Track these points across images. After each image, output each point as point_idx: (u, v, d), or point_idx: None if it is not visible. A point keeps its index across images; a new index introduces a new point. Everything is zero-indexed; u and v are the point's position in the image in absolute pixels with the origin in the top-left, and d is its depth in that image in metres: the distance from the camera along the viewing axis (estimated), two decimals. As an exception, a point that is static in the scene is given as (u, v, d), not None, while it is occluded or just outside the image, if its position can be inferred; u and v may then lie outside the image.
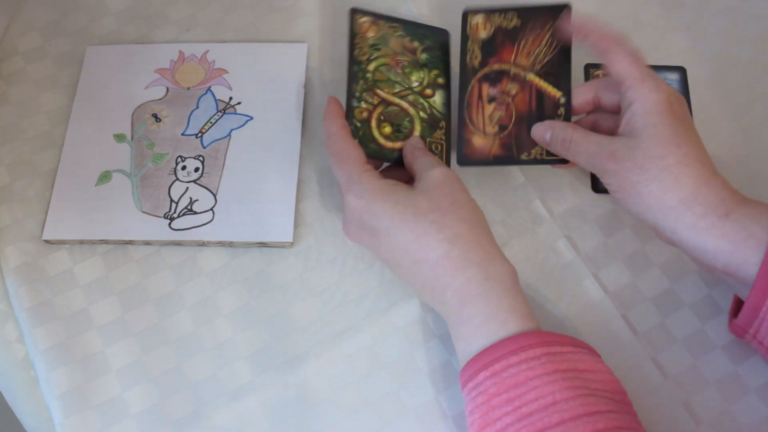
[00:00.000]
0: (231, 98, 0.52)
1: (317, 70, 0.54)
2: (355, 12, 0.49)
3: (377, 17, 0.49)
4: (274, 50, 0.54)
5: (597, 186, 0.50)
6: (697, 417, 0.43)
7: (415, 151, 0.45)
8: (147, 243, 0.48)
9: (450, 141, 0.48)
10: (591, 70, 0.53)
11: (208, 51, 0.54)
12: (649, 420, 0.43)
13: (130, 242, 0.48)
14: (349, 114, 0.47)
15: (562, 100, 0.47)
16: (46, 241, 0.48)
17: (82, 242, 0.48)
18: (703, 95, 0.52)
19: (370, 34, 0.49)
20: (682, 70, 0.53)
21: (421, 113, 0.48)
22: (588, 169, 0.44)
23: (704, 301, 0.46)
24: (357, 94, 0.47)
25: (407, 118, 0.48)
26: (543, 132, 0.46)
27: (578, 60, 0.54)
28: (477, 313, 0.39)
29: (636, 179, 0.40)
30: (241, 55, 0.54)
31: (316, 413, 0.44)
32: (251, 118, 0.52)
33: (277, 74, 0.53)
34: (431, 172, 0.43)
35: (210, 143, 0.51)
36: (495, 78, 0.48)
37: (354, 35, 0.48)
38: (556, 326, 0.46)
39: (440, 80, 0.50)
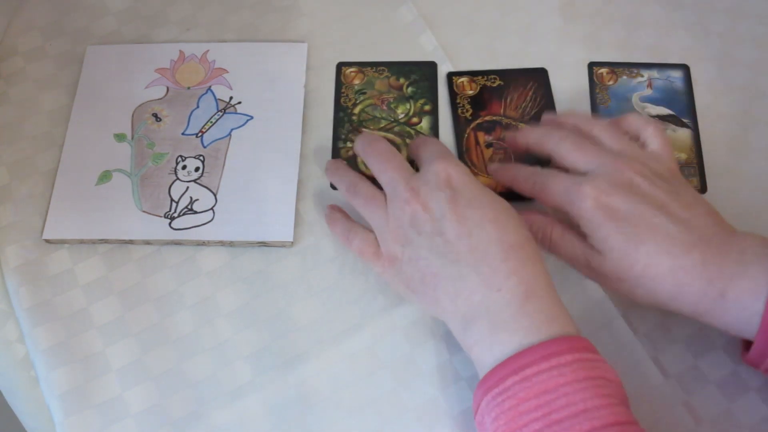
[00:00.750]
0: (231, 98, 0.52)
1: (317, 70, 0.54)
2: (341, 65, 0.53)
3: (363, 65, 0.53)
4: (274, 50, 0.54)
5: None
6: (698, 416, 0.43)
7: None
8: (147, 243, 0.48)
9: None
10: (595, 68, 0.53)
11: (208, 51, 0.54)
12: (649, 420, 0.43)
13: (131, 242, 0.48)
14: (335, 155, 0.50)
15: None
16: (47, 241, 0.48)
17: (82, 242, 0.48)
18: (704, 95, 0.52)
19: (356, 81, 0.52)
20: (685, 68, 0.53)
21: (408, 140, 0.50)
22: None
23: (704, 300, 0.46)
24: (343, 136, 0.51)
25: None
26: (528, 217, 0.44)
27: (581, 59, 0.54)
28: (538, 309, 0.38)
29: (619, 287, 0.41)
30: (242, 55, 0.54)
31: (316, 413, 0.44)
32: (251, 117, 0.52)
33: (277, 74, 0.53)
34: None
35: (210, 143, 0.51)
36: (489, 127, 0.51)
37: (340, 85, 0.52)
38: (557, 326, 0.46)
39: (427, 107, 0.52)
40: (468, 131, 0.51)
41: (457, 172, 0.41)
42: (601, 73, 0.53)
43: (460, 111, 0.52)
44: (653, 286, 0.40)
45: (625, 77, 0.53)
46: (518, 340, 0.37)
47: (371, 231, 0.44)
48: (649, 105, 0.52)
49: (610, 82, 0.53)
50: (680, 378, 0.44)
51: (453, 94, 0.52)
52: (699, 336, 0.45)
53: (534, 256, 0.40)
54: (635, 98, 0.52)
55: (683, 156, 0.50)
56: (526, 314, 0.38)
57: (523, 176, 0.45)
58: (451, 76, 0.53)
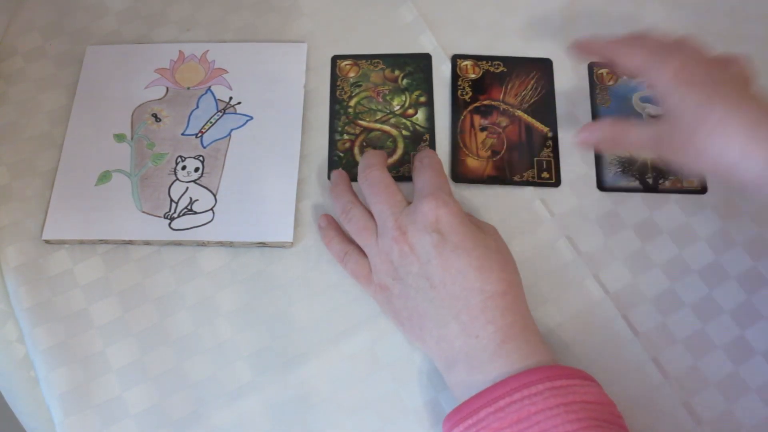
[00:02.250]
0: (231, 98, 0.52)
1: (317, 70, 0.54)
2: (336, 58, 0.53)
3: (358, 58, 0.53)
4: (274, 50, 0.54)
5: (602, 184, 0.50)
6: (698, 417, 0.43)
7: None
8: (147, 243, 0.48)
9: (434, 149, 0.51)
10: (595, 69, 0.53)
11: (208, 51, 0.54)
12: (649, 420, 0.43)
13: (130, 242, 0.48)
14: (332, 147, 0.50)
15: (550, 134, 0.51)
16: (46, 241, 0.48)
17: (82, 242, 0.48)
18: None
19: (351, 74, 0.53)
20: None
21: (404, 132, 0.51)
22: (644, 155, 0.46)
23: (705, 301, 0.46)
24: (339, 129, 0.51)
25: (390, 140, 0.51)
26: (587, 137, 0.46)
27: (583, 59, 0.54)
28: (514, 349, 0.39)
29: (688, 155, 0.41)
30: (241, 55, 0.54)
31: (316, 413, 0.44)
32: (251, 118, 0.52)
33: (277, 74, 0.53)
34: (487, 224, 0.44)
35: (210, 143, 0.51)
36: (486, 111, 0.52)
37: (336, 78, 0.53)
38: (557, 327, 0.46)
39: (422, 99, 0.52)
40: (465, 113, 0.52)
41: (447, 214, 0.41)
42: (601, 73, 0.53)
43: (460, 93, 0.52)
44: (724, 143, 0.38)
45: (625, 77, 0.53)
46: (492, 376, 0.38)
47: (365, 255, 0.45)
48: (649, 105, 0.52)
49: (610, 82, 0.53)
50: (680, 378, 0.44)
51: (455, 76, 0.53)
52: (699, 336, 0.45)
53: (514, 303, 0.40)
54: (635, 98, 0.52)
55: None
56: (502, 355, 0.39)
57: (613, 44, 0.46)
58: (455, 58, 0.54)
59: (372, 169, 0.45)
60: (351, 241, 0.46)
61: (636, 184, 0.49)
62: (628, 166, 0.50)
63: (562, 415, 0.35)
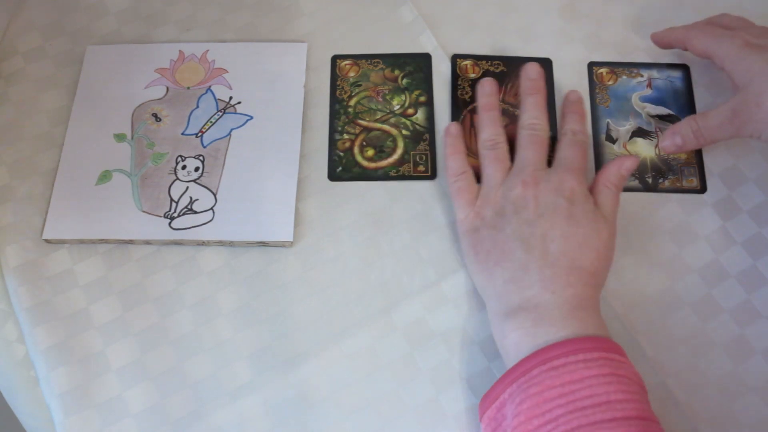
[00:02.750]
0: (231, 98, 0.52)
1: (317, 69, 0.54)
2: (336, 57, 0.53)
3: (358, 58, 0.54)
4: (274, 50, 0.54)
5: None
6: (698, 417, 0.43)
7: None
8: (147, 242, 0.48)
9: (435, 150, 0.51)
10: (594, 68, 0.53)
11: (208, 51, 0.54)
12: (649, 420, 0.43)
13: (131, 242, 0.48)
14: (332, 147, 0.50)
15: (550, 133, 0.50)
16: (46, 241, 0.48)
17: (82, 242, 0.48)
18: (704, 95, 0.52)
19: (351, 74, 0.53)
20: (685, 68, 0.53)
21: (404, 131, 0.51)
22: (726, 138, 0.47)
23: (705, 300, 0.46)
24: (339, 128, 0.51)
25: (389, 139, 0.51)
26: (672, 140, 0.49)
27: (581, 59, 0.54)
28: (581, 317, 0.40)
29: (761, 119, 0.44)
30: (241, 55, 0.54)
31: (316, 413, 0.44)
32: (251, 117, 0.52)
33: (277, 74, 0.53)
34: (610, 220, 0.44)
35: (210, 143, 0.51)
36: None
37: (336, 78, 0.53)
38: (557, 326, 0.46)
39: (422, 98, 0.52)
40: (465, 113, 0.52)
41: (581, 191, 0.44)
42: (601, 73, 0.53)
43: (460, 92, 0.52)
44: None
45: (624, 77, 0.53)
46: (561, 335, 0.39)
47: (477, 185, 0.47)
48: (648, 105, 0.52)
49: (610, 82, 0.53)
50: (680, 378, 0.44)
51: (455, 76, 0.53)
52: (699, 336, 0.45)
53: (595, 285, 0.42)
54: (635, 98, 0.52)
55: (683, 156, 0.50)
56: (575, 317, 0.40)
57: (684, 30, 0.50)
58: (455, 58, 0.54)
59: (540, 122, 0.47)
60: (469, 165, 0.48)
61: (636, 183, 0.50)
62: None
63: (615, 383, 0.36)
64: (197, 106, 0.52)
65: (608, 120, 0.52)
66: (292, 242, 0.48)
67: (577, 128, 0.47)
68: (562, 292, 0.41)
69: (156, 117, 0.52)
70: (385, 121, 0.51)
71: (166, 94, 0.53)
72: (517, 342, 0.40)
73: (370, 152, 0.50)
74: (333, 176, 0.50)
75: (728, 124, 0.46)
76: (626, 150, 0.51)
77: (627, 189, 0.49)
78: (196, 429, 0.43)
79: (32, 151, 0.51)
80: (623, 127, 0.51)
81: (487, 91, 0.49)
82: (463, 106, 0.52)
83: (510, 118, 0.51)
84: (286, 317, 0.46)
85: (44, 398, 0.45)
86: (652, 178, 0.50)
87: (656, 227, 0.48)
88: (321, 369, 0.45)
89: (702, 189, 0.49)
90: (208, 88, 0.53)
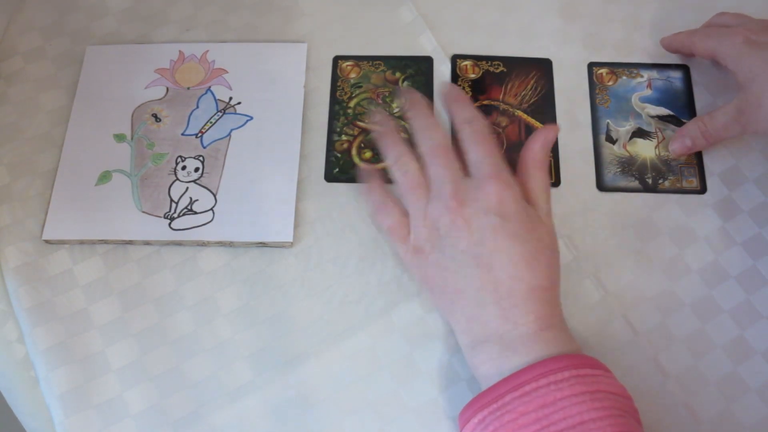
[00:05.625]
0: (231, 98, 0.52)
1: (317, 70, 0.54)
2: (338, 58, 0.53)
3: (359, 59, 0.54)
4: (274, 50, 0.54)
5: (602, 184, 0.50)
6: (698, 417, 0.43)
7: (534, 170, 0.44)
8: (147, 243, 0.48)
9: None
10: (594, 69, 0.53)
11: (208, 51, 0.54)
12: (649, 420, 0.43)
13: (130, 242, 0.48)
14: (330, 148, 0.50)
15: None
16: (46, 241, 0.48)
17: (82, 242, 0.48)
18: (704, 95, 0.52)
19: (352, 75, 0.53)
20: (685, 69, 0.53)
21: (402, 134, 0.50)
22: (733, 136, 0.48)
23: (705, 300, 0.46)
24: (338, 129, 0.51)
25: None
26: (682, 142, 0.49)
27: (581, 59, 0.54)
28: (548, 338, 0.39)
29: (761, 115, 0.44)
30: (241, 55, 0.54)
31: (316, 413, 0.44)
32: (251, 118, 0.52)
33: (277, 74, 0.53)
34: (546, 220, 0.43)
35: (210, 143, 0.51)
36: (485, 111, 0.52)
37: (336, 79, 0.53)
38: (556, 326, 0.46)
39: None
40: None
41: (511, 199, 0.41)
42: (601, 74, 0.53)
43: None
44: None
45: (624, 77, 0.53)
46: (526, 360, 0.38)
47: (405, 212, 0.44)
48: (648, 105, 0.52)
49: (610, 83, 0.53)
50: (680, 378, 0.44)
51: (455, 76, 0.53)
52: (699, 336, 0.45)
53: (554, 299, 0.41)
54: (635, 98, 0.52)
55: (682, 157, 0.50)
56: (538, 341, 0.39)
57: (689, 34, 0.50)
58: (455, 58, 0.54)
59: (434, 130, 0.44)
60: (392, 195, 0.45)
61: (636, 184, 0.50)
62: (627, 166, 0.50)
63: (587, 402, 0.36)
64: (197, 107, 0.52)
65: (608, 120, 0.52)
66: (292, 243, 0.48)
67: (468, 115, 0.44)
68: (524, 320, 0.39)
69: (156, 117, 0.52)
70: None
71: (166, 95, 0.53)
72: (486, 374, 0.40)
73: (368, 154, 0.50)
74: (329, 177, 0.50)
75: (734, 123, 0.46)
76: (626, 150, 0.51)
77: (627, 189, 0.49)
78: (196, 429, 0.43)
79: (32, 151, 0.51)
80: (623, 128, 0.51)
81: (378, 120, 0.49)
82: None
83: (509, 119, 0.51)
84: (286, 317, 0.46)
85: (44, 398, 0.45)
86: (652, 178, 0.50)
87: (656, 228, 0.48)
88: (321, 369, 0.45)
89: (702, 189, 0.49)
90: (208, 89, 0.53)
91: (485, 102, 0.52)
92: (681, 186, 0.49)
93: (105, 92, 0.53)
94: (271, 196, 0.49)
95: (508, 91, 0.52)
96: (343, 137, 0.51)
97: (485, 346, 0.40)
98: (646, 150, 0.51)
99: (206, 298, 0.47)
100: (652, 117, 0.52)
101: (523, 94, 0.52)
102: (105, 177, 0.50)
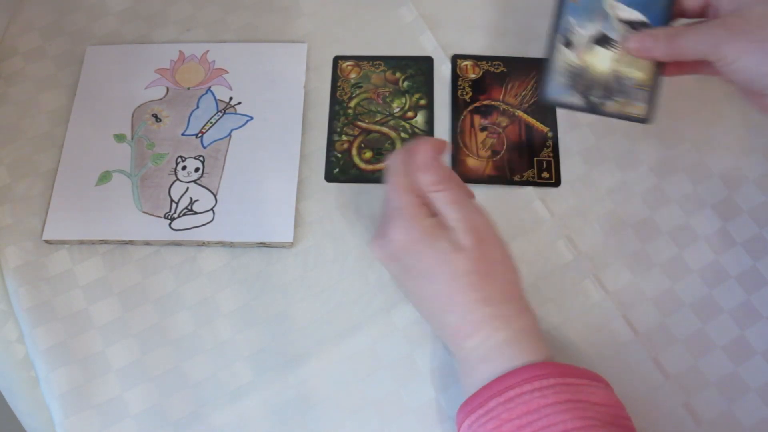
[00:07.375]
0: (231, 98, 0.52)
1: (317, 70, 0.54)
2: (338, 58, 0.53)
3: (360, 59, 0.54)
4: (274, 50, 0.54)
5: (544, 94, 0.44)
6: (698, 417, 0.43)
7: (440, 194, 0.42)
8: (147, 243, 0.48)
9: None
10: None
11: (208, 51, 0.54)
12: (649, 420, 0.43)
13: (131, 242, 0.48)
14: (330, 148, 0.50)
15: (550, 134, 0.50)
16: (47, 241, 0.48)
17: (82, 242, 0.48)
18: (704, 95, 0.52)
19: (353, 75, 0.53)
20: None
21: (402, 134, 0.51)
22: (699, 56, 0.42)
23: (705, 300, 0.46)
24: (338, 129, 0.51)
25: (388, 142, 0.51)
26: (641, 39, 0.43)
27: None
28: (498, 357, 0.39)
29: (759, 48, 0.40)
30: (241, 55, 0.54)
31: (316, 413, 0.44)
32: (251, 118, 0.52)
33: (277, 74, 0.53)
34: (470, 226, 0.40)
35: (210, 143, 0.51)
36: (486, 111, 0.52)
37: (337, 79, 0.53)
38: (557, 327, 0.46)
39: (422, 102, 0.52)
40: (465, 113, 0.52)
41: (407, 242, 0.40)
42: None
43: (459, 93, 0.53)
44: None
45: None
46: (502, 366, 0.38)
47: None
48: (622, 6, 0.44)
49: None
50: (680, 378, 0.44)
51: (455, 76, 0.53)
52: (699, 336, 0.45)
53: (521, 308, 0.40)
54: None
55: (639, 75, 0.44)
56: (510, 344, 0.38)
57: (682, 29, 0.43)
58: (455, 58, 0.54)
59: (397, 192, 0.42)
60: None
61: (577, 101, 0.44)
62: (576, 78, 0.44)
63: (571, 411, 0.35)
64: (197, 107, 0.52)
65: (571, 18, 0.44)
66: (292, 243, 0.48)
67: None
68: (507, 329, 0.39)
69: (156, 117, 0.52)
70: (385, 124, 0.51)
71: (166, 95, 0.53)
72: (467, 383, 0.40)
73: (368, 154, 0.50)
74: (330, 177, 0.50)
75: (708, 36, 0.41)
76: (580, 60, 0.44)
77: (569, 106, 0.44)
78: (196, 429, 0.43)
79: (32, 151, 0.51)
80: (585, 30, 0.44)
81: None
82: (463, 106, 0.52)
83: (510, 119, 0.51)
84: (287, 318, 0.46)
85: (44, 398, 0.45)
86: (599, 98, 0.44)
87: (656, 228, 0.48)
88: (321, 369, 0.45)
89: (647, 118, 0.44)
90: (208, 89, 0.53)
91: (486, 102, 0.52)
92: (626, 111, 0.44)
93: (105, 92, 0.53)
94: (272, 197, 0.49)
95: (509, 91, 0.52)
96: (344, 137, 0.51)
97: (469, 359, 0.40)
98: (603, 62, 0.44)
99: (206, 299, 0.47)
100: (623, 22, 0.44)
101: (523, 94, 0.52)
102: (105, 177, 0.50)
